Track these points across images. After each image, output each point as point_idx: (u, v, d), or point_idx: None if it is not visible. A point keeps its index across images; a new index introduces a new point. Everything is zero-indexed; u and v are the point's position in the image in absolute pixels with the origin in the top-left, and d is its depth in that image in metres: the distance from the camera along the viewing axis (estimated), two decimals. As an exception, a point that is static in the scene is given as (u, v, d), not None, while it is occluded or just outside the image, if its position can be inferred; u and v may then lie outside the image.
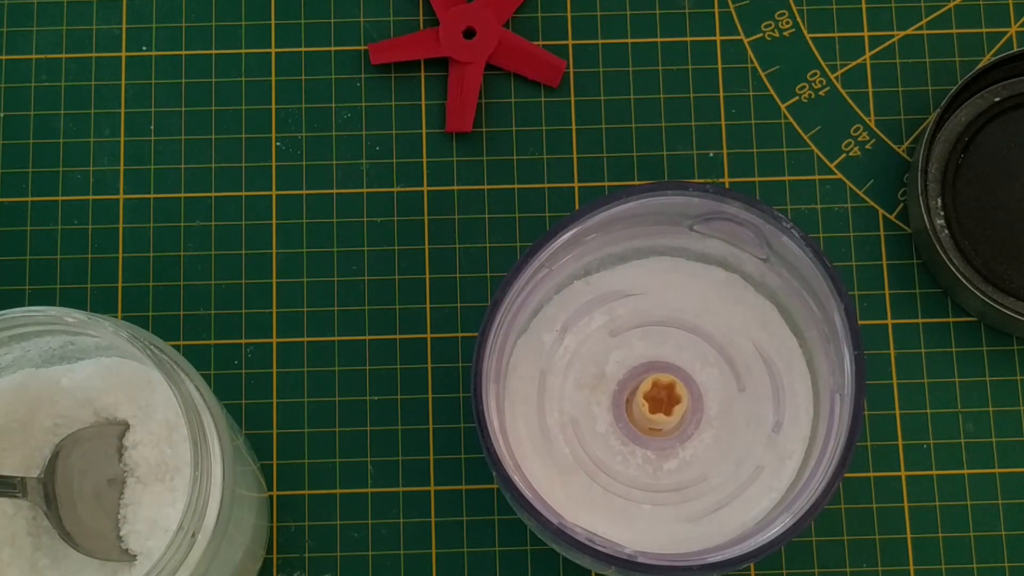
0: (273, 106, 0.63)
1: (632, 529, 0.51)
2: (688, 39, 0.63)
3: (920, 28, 0.64)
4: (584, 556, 0.47)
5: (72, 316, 0.47)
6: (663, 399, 0.51)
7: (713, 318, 0.53)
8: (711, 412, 0.52)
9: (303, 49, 0.63)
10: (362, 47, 0.63)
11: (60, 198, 0.62)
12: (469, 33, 0.63)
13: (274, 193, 0.62)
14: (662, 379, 0.50)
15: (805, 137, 0.63)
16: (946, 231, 0.60)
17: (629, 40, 0.63)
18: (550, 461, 0.52)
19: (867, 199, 0.62)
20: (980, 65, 0.61)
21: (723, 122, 0.62)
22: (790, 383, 0.52)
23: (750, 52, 0.63)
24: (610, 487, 0.52)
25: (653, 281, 0.54)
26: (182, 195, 0.62)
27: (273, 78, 0.63)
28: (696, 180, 0.62)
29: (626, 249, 0.53)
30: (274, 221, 0.61)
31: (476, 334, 0.60)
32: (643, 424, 0.51)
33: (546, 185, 0.62)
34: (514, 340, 0.53)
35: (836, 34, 0.64)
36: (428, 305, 0.61)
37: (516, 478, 0.48)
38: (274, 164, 0.62)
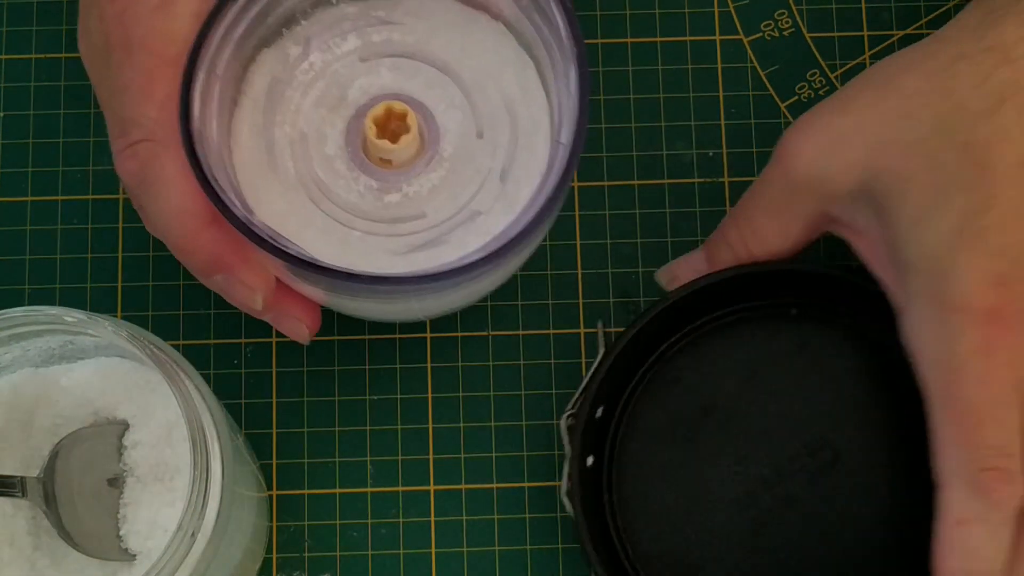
0: (273, 105, 0.63)
1: (344, 259, 0.49)
2: (688, 38, 0.63)
3: (920, 28, 0.64)
4: (266, 254, 0.47)
5: (72, 316, 0.47)
6: (395, 130, 0.50)
7: (468, 62, 0.52)
8: (445, 153, 0.51)
9: (303, 48, 0.63)
10: (362, 46, 0.63)
11: (60, 197, 0.62)
12: (468, 32, 0.63)
13: (274, 192, 0.62)
14: (395, 107, 0.49)
15: (805, 136, 0.63)
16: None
17: (629, 39, 0.63)
18: (272, 176, 0.51)
19: (867, 198, 0.62)
20: (980, 64, 0.61)
21: (723, 121, 0.62)
22: (530, 141, 0.51)
23: (749, 51, 0.63)
24: (330, 212, 0.51)
25: (415, 15, 0.53)
26: (182, 194, 0.62)
27: (273, 77, 0.63)
28: None
29: None
30: (274, 220, 0.61)
31: (476, 334, 0.60)
32: (374, 154, 0.50)
33: (546, 184, 0.62)
34: (255, 48, 0.51)
35: (836, 33, 0.64)
36: (428, 304, 0.61)
37: (204, 155, 0.47)
38: (274, 163, 0.62)
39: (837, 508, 0.55)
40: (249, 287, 0.49)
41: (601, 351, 0.56)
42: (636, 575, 0.55)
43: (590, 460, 0.55)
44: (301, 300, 0.52)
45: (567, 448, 0.54)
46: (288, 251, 0.46)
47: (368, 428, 0.60)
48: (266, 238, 0.46)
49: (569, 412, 0.55)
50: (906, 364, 0.51)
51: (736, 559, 0.55)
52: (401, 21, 0.52)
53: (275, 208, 0.50)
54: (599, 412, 0.55)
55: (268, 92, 0.51)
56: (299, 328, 0.52)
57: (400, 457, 0.59)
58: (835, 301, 0.56)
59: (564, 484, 0.55)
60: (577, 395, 0.55)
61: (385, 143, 0.49)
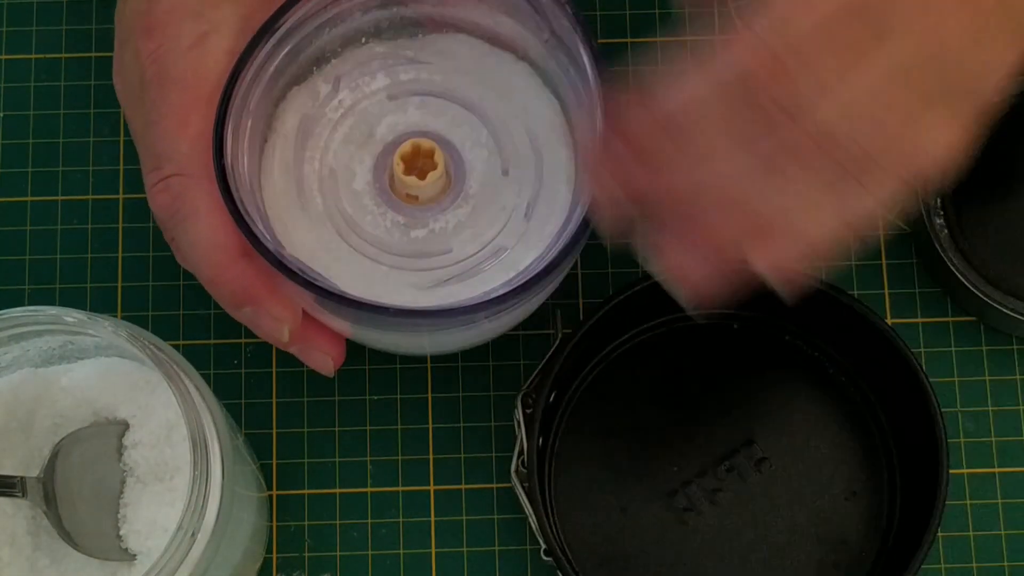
0: (273, 105, 0.63)
1: (370, 293, 0.50)
2: (687, 38, 0.63)
3: (920, 27, 0.63)
4: (295, 287, 0.47)
5: (71, 316, 0.47)
6: (422, 167, 0.50)
7: (494, 101, 0.53)
8: (470, 190, 0.52)
9: (303, 48, 0.63)
10: (362, 46, 0.63)
11: (60, 198, 0.62)
12: (468, 32, 0.63)
13: (274, 192, 0.62)
14: (423, 144, 0.50)
15: (805, 136, 0.62)
16: (946, 231, 0.60)
17: (628, 39, 0.63)
18: (300, 210, 0.51)
19: (867, 198, 0.62)
20: (980, 64, 0.61)
21: (723, 121, 0.62)
22: (555, 178, 0.52)
23: (750, 51, 0.63)
24: (357, 247, 0.51)
25: (443, 54, 0.53)
26: (182, 194, 0.62)
27: (273, 77, 0.63)
28: None
29: (419, 14, 0.53)
30: (274, 220, 0.61)
31: (476, 333, 0.60)
32: (401, 190, 0.51)
33: (546, 184, 0.62)
34: (286, 85, 0.52)
35: (836, 33, 0.63)
36: (428, 304, 0.61)
37: (236, 189, 0.47)
38: (274, 163, 0.62)
39: (764, 508, 0.58)
40: (277, 319, 0.50)
41: (559, 336, 0.57)
42: (566, 559, 0.56)
43: (539, 442, 0.56)
44: (327, 333, 0.52)
45: (522, 427, 0.55)
46: (317, 283, 0.47)
47: (368, 428, 0.60)
48: (296, 271, 0.47)
49: (525, 390, 0.56)
50: (841, 381, 0.58)
51: (664, 552, 0.57)
52: (429, 60, 0.53)
53: (303, 242, 0.51)
54: (551, 397, 0.56)
55: (298, 129, 0.52)
56: (324, 361, 0.52)
57: (400, 457, 0.59)
58: (777, 317, 0.59)
59: (515, 462, 0.56)
60: (535, 375, 0.56)
61: (412, 179, 0.50)
